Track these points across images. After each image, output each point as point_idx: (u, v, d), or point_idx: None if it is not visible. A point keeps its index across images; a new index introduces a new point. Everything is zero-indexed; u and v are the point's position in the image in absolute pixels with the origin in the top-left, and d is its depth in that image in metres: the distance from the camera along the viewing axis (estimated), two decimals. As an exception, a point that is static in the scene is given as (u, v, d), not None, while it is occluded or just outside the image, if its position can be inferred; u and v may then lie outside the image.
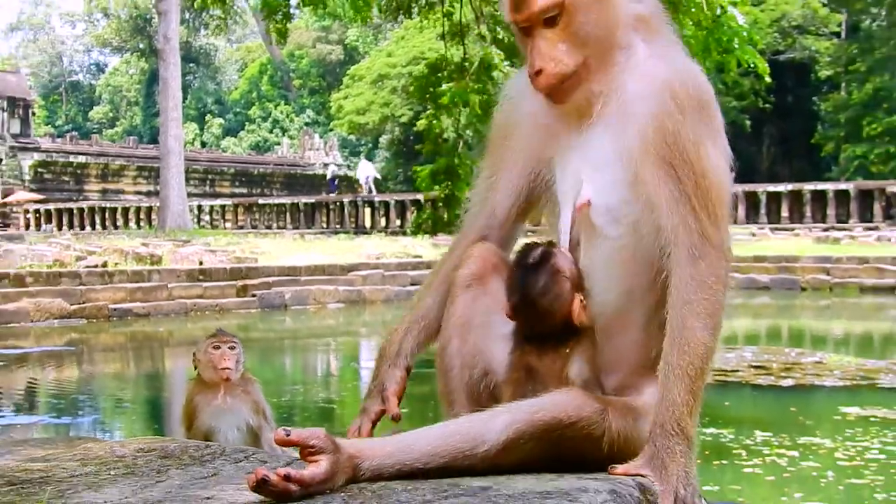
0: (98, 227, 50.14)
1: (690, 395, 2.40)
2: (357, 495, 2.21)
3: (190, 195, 48.10)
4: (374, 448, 2.34)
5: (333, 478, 2.23)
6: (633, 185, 2.51)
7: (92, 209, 52.10)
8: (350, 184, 58.62)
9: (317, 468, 2.20)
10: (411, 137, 60.24)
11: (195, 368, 4.76)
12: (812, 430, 10.06)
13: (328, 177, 60.62)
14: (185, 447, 2.77)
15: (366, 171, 54.31)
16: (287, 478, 2.16)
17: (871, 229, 34.72)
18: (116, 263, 22.73)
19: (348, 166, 72.04)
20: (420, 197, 38.59)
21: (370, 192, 52.20)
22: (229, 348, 4.68)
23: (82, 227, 50.22)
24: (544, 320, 2.60)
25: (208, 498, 2.26)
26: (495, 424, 2.36)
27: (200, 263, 23.68)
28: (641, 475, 2.34)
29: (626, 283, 2.60)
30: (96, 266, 21.82)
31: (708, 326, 2.45)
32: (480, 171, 2.90)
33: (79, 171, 59.12)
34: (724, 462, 8.82)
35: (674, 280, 2.45)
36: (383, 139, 69.94)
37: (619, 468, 2.37)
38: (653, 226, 2.49)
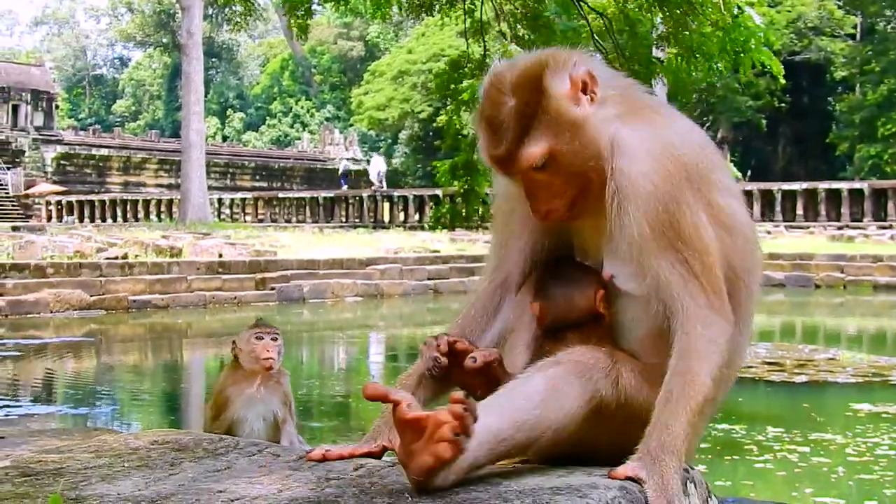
0: (119, 219, 50.31)
1: (689, 427, 2.40)
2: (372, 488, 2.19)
3: (210, 188, 48.21)
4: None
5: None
6: (643, 267, 2.51)
7: (113, 201, 52.25)
8: (362, 179, 58.59)
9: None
10: (430, 133, 60.34)
11: (235, 358, 4.75)
12: (824, 426, 10.03)
13: (340, 171, 60.57)
14: (198, 440, 2.76)
15: (377, 167, 54.37)
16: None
17: (884, 228, 34.60)
18: (137, 255, 22.77)
19: (368, 161, 72.13)
20: (438, 192, 38.60)
21: (382, 186, 52.25)
22: (272, 339, 4.68)
23: (104, 219, 50.39)
24: (571, 308, 2.62)
25: (221, 491, 2.26)
26: (538, 377, 2.37)
27: (220, 256, 23.71)
28: (640, 480, 2.32)
29: (645, 330, 2.61)
30: (116, 258, 21.87)
31: (712, 375, 2.45)
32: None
33: (101, 164, 59.34)
34: (736, 457, 8.80)
35: (684, 336, 2.46)
36: (402, 135, 70.01)
37: (619, 471, 2.34)
38: (665, 300, 2.50)
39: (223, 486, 2.29)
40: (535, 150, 2.46)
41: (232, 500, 2.18)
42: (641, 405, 2.45)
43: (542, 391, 2.33)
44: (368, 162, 70.28)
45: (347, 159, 64.24)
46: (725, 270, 2.52)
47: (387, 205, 46.21)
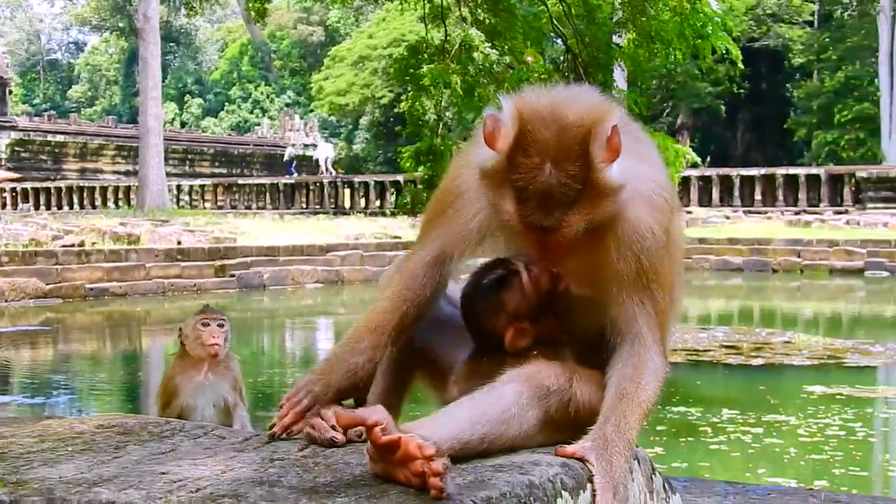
0: (76, 206, 49.87)
1: (637, 424, 2.48)
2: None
3: (169, 175, 47.92)
4: (424, 426, 2.29)
5: None
6: (616, 297, 2.59)
7: (70, 188, 51.80)
8: (310, 165, 58.24)
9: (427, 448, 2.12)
10: (391, 119, 60.16)
11: (181, 345, 4.73)
12: (778, 407, 10.14)
13: (285, 158, 60.07)
14: (144, 424, 2.76)
15: (325, 153, 54.17)
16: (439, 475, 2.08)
17: (840, 213, 34.91)
18: (94, 243, 22.62)
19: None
20: (399, 178, 38.53)
21: (329, 173, 52.11)
22: (218, 325, 4.67)
23: (60, 207, 49.95)
24: (482, 339, 2.74)
25: (164, 473, 2.25)
26: (507, 393, 2.40)
27: (179, 243, 23.59)
28: (587, 461, 2.34)
29: (589, 330, 2.69)
30: (73, 245, 21.72)
31: (654, 396, 2.57)
32: (438, 204, 2.85)
33: (56, 151, 58.76)
34: (692, 439, 8.88)
35: (638, 356, 2.57)
36: (363, 120, 69.74)
37: (568, 449, 2.37)
38: (625, 325, 2.60)
39: (166, 469, 2.28)
40: (578, 219, 2.43)
41: (174, 482, 2.18)
42: (592, 417, 2.50)
43: (513, 409, 2.38)
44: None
45: (293, 145, 63.76)
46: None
47: (347, 191, 46.09)
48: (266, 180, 50.05)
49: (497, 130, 2.46)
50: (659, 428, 9.05)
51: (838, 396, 10.51)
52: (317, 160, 55.69)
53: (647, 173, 2.57)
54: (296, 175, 53.69)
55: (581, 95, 2.60)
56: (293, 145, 63.50)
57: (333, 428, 2.47)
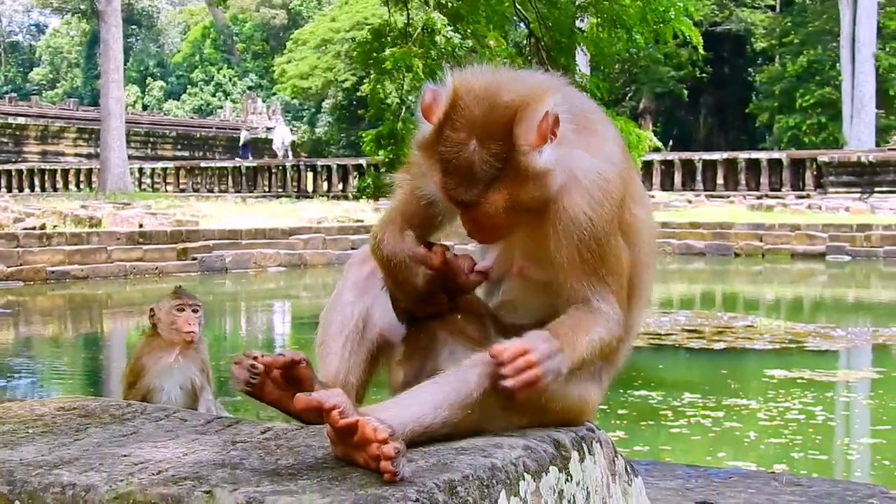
0: (37, 189, 49.48)
1: (584, 345, 2.48)
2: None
3: (131, 158, 47.63)
4: (387, 409, 2.29)
5: None
6: (565, 281, 2.60)
7: (31, 171, 51.38)
8: (267, 148, 57.93)
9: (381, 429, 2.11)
10: (354, 102, 60.03)
11: (153, 326, 4.70)
12: (738, 391, 10.22)
13: (240, 142, 59.73)
14: (105, 406, 2.75)
15: (281, 136, 53.97)
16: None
17: (802, 197, 35.15)
18: (55, 226, 22.45)
19: (291, 130, 71.54)
20: (362, 161, 38.46)
21: (286, 156, 51.91)
22: (193, 311, 4.65)
23: (21, 189, 49.54)
24: (396, 308, 2.77)
25: (125, 455, 2.25)
26: (471, 376, 2.38)
27: (140, 226, 23.46)
28: (527, 350, 2.34)
29: (545, 311, 2.67)
30: (34, 228, 21.55)
31: (605, 334, 2.56)
32: (398, 184, 2.88)
33: (17, 133, 58.18)
34: (653, 423, 8.93)
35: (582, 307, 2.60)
36: (326, 104, 69.52)
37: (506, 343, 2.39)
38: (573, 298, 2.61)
39: (128, 451, 2.28)
40: (498, 197, 2.49)
41: (136, 464, 2.17)
42: (557, 401, 2.51)
43: (475, 394, 2.36)
44: (292, 131, 69.80)
45: (248, 129, 63.43)
46: (630, 270, 2.68)
47: (310, 174, 45.95)
48: (228, 163, 49.82)
49: (434, 104, 2.52)
50: (620, 412, 9.10)
51: (799, 380, 10.60)
52: (272, 142, 55.44)
53: (591, 164, 2.56)
54: (249, 158, 53.47)
55: (526, 78, 2.63)
56: (248, 129, 63.15)
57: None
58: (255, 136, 61.18)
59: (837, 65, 52.81)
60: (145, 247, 22.27)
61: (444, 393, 2.34)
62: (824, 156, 37.21)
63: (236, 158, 53.80)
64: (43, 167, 52.00)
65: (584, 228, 2.54)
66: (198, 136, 65.53)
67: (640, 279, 2.76)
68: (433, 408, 2.30)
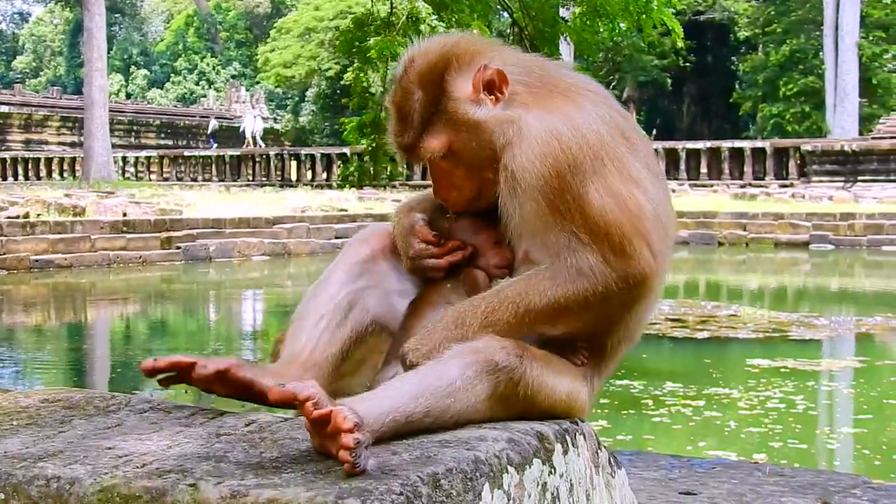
0: (20, 177, 49.34)
1: (488, 312, 2.52)
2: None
3: (115, 146, 47.49)
4: (364, 400, 2.26)
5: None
6: (538, 244, 2.58)
7: (14, 160, 51.21)
8: (236, 137, 57.77)
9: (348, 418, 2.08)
10: (338, 91, 59.87)
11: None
12: (720, 380, 10.25)
13: (208, 130, 59.50)
14: (90, 398, 2.74)
15: (251, 125, 53.90)
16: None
17: (786, 186, 35.29)
18: (39, 214, 22.37)
19: (274, 119, 71.36)
20: (346, 150, 38.42)
21: (256, 145, 51.85)
22: None
23: (4, 178, 49.38)
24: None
25: (110, 448, 2.25)
26: (452, 366, 2.37)
27: (124, 215, 23.40)
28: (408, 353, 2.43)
29: None
30: (18, 217, 21.47)
31: (567, 289, 2.52)
32: None
33: (1, 122, 57.96)
34: (635, 412, 8.96)
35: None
36: (310, 92, 69.42)
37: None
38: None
39: (112, 443, 2.28)
40: (433, 143, 2.59)
41: (120, 457, 2.17)
42: (543, 396, 2.50)
43: (458, 382, 2.35)
44: (276, 120, 69.66)
45: (217, 118, 63.23)
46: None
47: (294, 163, 45.91)
48: (212, 152, 49.73)
49: (399, 62, 2.69)
50: (603, 401, 9.12)
51: (782, 370, 10.64)
52: (243, 131, 55.30)
53: (543, 122, 2.52)
54: (215, 147, 53.41)
55: (483, 40, 2.75)
56: (217, 117, 62.95)
57: None
58: (224, 125, 61.02)
59: (821, 54, 52.96)
60: (129, 236, 22.22)
61: (426, 383, 2.33)
62: (808, 144, 37.35)
63: (207, 148, 53.74)
64: (26, 156, 51.84)
65: (532, 181, 2.49)
66: (181, 124, 65.39)
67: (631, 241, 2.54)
68: (414, 398, 2.29)
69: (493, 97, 2.57)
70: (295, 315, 2.78)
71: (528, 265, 2.62)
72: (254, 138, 53.20)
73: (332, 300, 2.74)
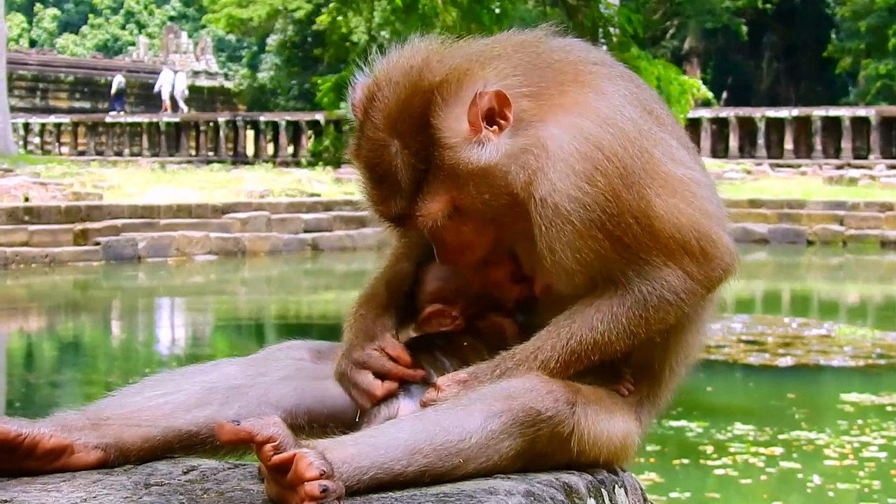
0: None
1: (550, 350, 2.56)
2: None
3: (13, 110, 47.43)
4: (343, 447, 2.30)
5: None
6: (589, 274, 2.62)
7: None
8: (150, 100, 57.72)
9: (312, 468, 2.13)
10: (308, 39, 59.88)
11: None
12: (802, 421, 10.21)
13: (112, 91, 59.41)
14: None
15: (170, 83, 53.84)
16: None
17: (895, 167, 35.21)
18: (-87, 198, 22.41)
19: (225, 75, 71.33)
20: (319, 117, 38.45)
21: (177, 110, 51.82)
22: None
23: None
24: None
25: (6, 501, 2.24)
26: (472, 415, 2.39)
27: (26, 200, 23.40)
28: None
29: None
30: None
31: (598, 326, 2.59)
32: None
33: None
34: (689, 461, 8.95)
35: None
36: (272, 40, 69.31)
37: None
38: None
39: (9, 495, 2.27)
40: (433, 207, 2.55)
41: (20, 514, 2.18)
42: (598, 448, 2.52)
43: (474, 438, 2.37)
44: (226, 76, 69.61)
45: (128, 71, 63.18)
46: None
47: (250, 133, 45.89)
48: (143, 118, 49.71)
49: (358, 100, 2.67)
50: (651, 447, 9.12)
51: (888, 408, 10.62)
52: (158, 92, 55.31)
53: (570, 132, 2.55)
54: (122, 112, 53.37)
55: (459, 50, 2.67)
56: (120, 71, 62.80)
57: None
58: (133, 81, 60.93)
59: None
60: (32, 227, 22.20)
61: (428, 434, 2.34)
62: (926, 113, 37.28)
63: (110, 113, 53.69)
64: None
65: (581, 214, 2.52)
66: (102, 81, 65.34)
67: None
68: (408, 452, 2.30)
69: (495, 128, 2.54)
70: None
71: (553, 296, 2.69)
72: (173, 101, 53.11)
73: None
